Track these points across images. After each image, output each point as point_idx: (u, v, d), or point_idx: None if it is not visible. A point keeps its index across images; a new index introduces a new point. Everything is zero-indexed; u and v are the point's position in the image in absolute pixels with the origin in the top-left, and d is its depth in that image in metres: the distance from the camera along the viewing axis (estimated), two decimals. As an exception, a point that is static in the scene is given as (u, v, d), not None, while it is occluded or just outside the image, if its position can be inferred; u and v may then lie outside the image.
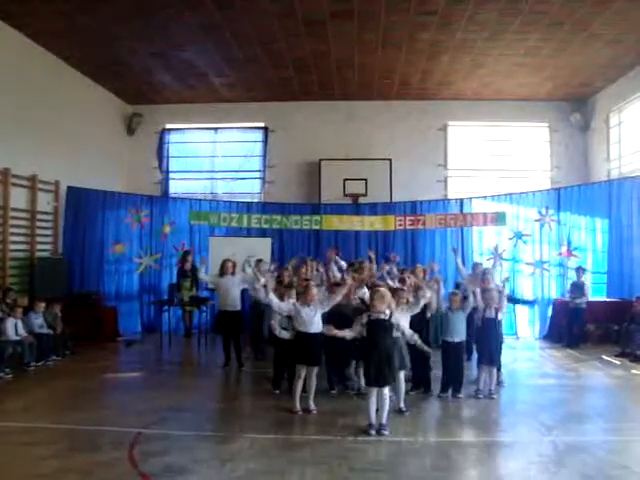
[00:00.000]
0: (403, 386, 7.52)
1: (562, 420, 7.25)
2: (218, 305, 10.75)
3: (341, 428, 6.81)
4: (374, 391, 6.70)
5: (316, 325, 7.48)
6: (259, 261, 11.01)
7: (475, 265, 11.62)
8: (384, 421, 6.66)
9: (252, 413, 7.62)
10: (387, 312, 6.77)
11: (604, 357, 11.20)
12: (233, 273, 10.30)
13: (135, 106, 16.91)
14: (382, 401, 6.67)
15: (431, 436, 6.68)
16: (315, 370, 7.52)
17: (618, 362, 10.78)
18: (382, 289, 7.02)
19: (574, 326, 12.53)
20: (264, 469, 5.63)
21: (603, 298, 13.47)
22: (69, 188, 13.72)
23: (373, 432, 6.59)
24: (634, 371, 10.07)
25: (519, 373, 9.72)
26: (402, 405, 7.44)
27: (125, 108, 16.84)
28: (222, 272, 10.28)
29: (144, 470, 5.50)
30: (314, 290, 7.64)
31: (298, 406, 7.39)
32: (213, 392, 8.88)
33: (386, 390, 6.70)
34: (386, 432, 6.58)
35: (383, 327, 6.71)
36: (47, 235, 13.20)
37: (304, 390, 7.53)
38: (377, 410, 6.69)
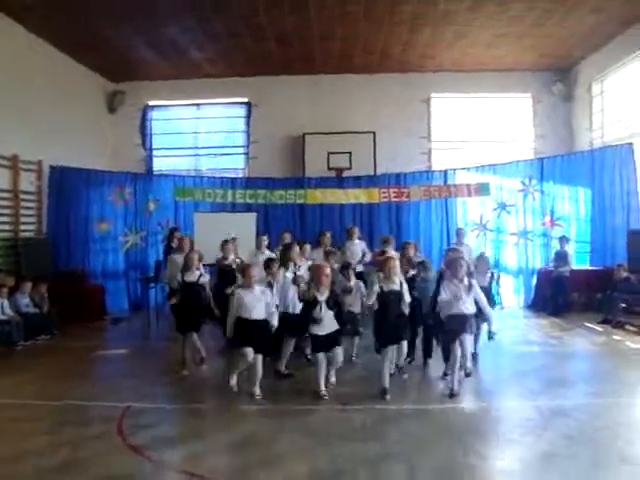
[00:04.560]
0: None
1: (546, 385, 7.40)
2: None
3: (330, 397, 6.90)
4: (388, 353, 6.92)
5: (259, 310, 7.05)
6: (233, 239, 10.81)
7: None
8: (402, 362, 7.23)
9: (240, 385, 7.67)
10: (397, 282, 7.00)
11: (587, 324, 11.37)
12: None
13: (117, 83, 16.72)
14: (402, 350, 7.10)
15: (417, 404, 6.78)
16: (260, 358, 7.06)
17: (601, 329, 10.94)
18: (393, 260, 7.22)
19: (558, 295, 12.67)
20: (253, 438, 5.72)
21: (586, 267, 13.61)
22: (52, 167, 13.59)
23: (388, 397, 6.80)
24: (616, 337, 10.24)
25: (504, 341, 9.82)
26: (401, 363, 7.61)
27: (107, 85, 16.65)
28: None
29: (133, 442, 5.57)
30: (254, 272, 7.26)
31: (234, 381, 7.24)
32: (199, 367, 8.93)
33: (404, 342, 7.05)
34: (406, 376, 7.23)
35: (398, 298, 6.96)
36: (31, 215, 13.09)
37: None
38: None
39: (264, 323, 7.05)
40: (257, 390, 7.01)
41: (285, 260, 8.39)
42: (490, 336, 8.47)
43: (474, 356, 8.31)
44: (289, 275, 8.14)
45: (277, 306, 7.59)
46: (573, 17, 12.37)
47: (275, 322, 7.13)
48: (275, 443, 5.58)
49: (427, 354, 8.45)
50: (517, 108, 16.82)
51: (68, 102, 14.34)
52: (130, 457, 5.27)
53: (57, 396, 7.10)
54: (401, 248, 9.71)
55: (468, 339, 7.07)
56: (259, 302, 7.05)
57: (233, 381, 7.22)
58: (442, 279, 7.40)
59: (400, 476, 4.83)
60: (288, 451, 5.38)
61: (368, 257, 11.20)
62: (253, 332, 6.96)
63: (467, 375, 7.37)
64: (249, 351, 6.91)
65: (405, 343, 7.05)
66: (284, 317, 7.67)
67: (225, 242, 10.28)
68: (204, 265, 9.42)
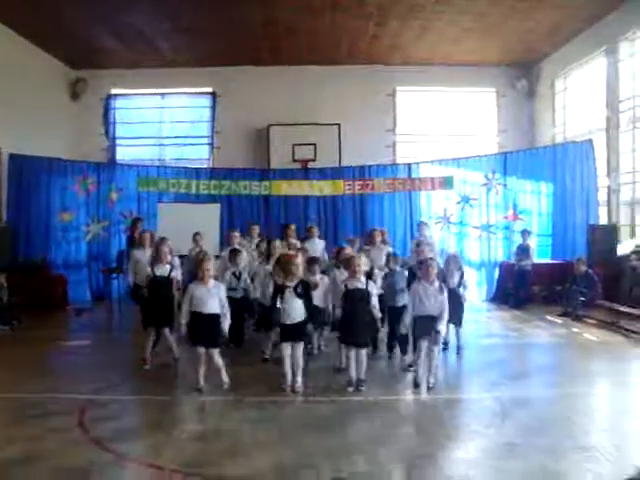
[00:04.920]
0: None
1: (506, 377, 7.49)
2: None
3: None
4: (353, 352, 6.88)
5: (212, 305, 6.92)
6: (196, 234, 10.84)
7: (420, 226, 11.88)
8: (362, 376, 6.89)
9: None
10: (363, 281, 7.00)
11: (548, 317, 11.56)
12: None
13: (79, 71, 16.45)
14: (360, 359, 6.90)
15: (378, 395, 6.80)
16: (216, 353, 6.97)
17: (560, 321, 11.14)
18: (357, 258, 7.25)
19: (519, 288, 12.86)
20: (215, 430, 5.70)
21: (548, 260, 13.82)
22: (11, 155, 13.36)
23: (352, 388, 6.81)
24: (575, 329, 10.45)
25: (466, 334, 9.90)
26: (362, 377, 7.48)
27: (69, 73, 16.38)
28: None
29: (94, 435, 5.51)
30: (207, 265, 7.09)
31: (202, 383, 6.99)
32: (163, 357, 8.85)
33: (364, 350, 6.93)
34: (363, 388, 6.82)
35: (363, 296, 6.93)
36: (-10, 203, 12.88)
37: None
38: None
39: (216, 317, 6.91)
40: (225, 378, 6.98)
41: (268, 255, 8.61)
42: (458, 351, 8.64)
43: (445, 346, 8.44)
44: (269, 268, 8.19)
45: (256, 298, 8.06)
46: (538, 13, 12.53)
47: (226, 326, 6.96)
48: (239, 435, 5.57)
49: (390, 348, 8.46)
50: (481, 102, 17.02)
51: (29, 89, 14.05)
52: (91, 450, 5.19)
53: (15, 389, 6.97)
54: (368, 234, 9.83)
55: (436, 350, 7.07)
56: (212, 297, 6.93)
57: (200, 383, 6.99)
58: (413, 276, 7.45)
59: (363, 467, 4.85)
60: (252, 443, 5.35)
61: (326, 257, 10.94)
62: (204, 327, 6.87)
63: (429, 388, 6.94)
64: (201, 350, 6.88)
65: (363, 354, 6.99)
66: (265, 309, 7.76)
67: (196, 234, 10.53)
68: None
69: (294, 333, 6.87)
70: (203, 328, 6.86)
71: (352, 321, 6.89)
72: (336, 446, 5.23)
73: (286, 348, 6.90)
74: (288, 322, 6.85)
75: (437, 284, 7.01)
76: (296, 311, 6.85)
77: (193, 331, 6.94)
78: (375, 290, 7.28)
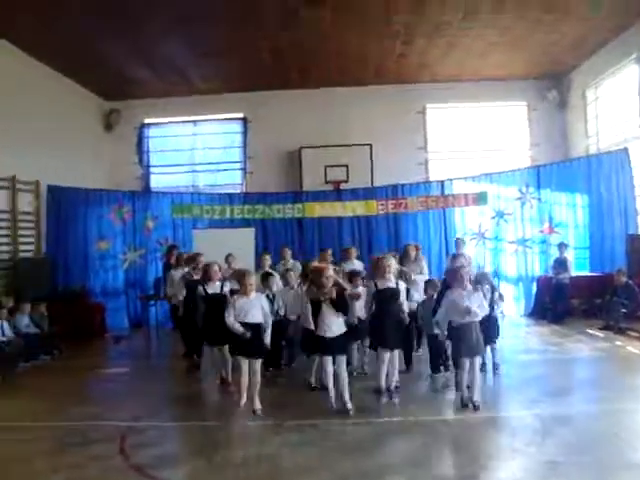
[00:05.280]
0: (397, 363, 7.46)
1: (547, 393, 7.36)
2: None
3: (325, 411, 6.84)
4: (387, 355, 6.78)
5: (254, 314, 6.93)
6: (229, 255, 11.02)
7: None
8: (394, 383, 6.97)
9: (239, 402, 7.64)
10: (393, 280, 6.95)
11: (588, 331, 11.34)
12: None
13: (112, 102, 16.77)
14: (394, 363, 6.90)
15: (418, 415, 6.72)
16: (258, 363, 6.97)
17: (602, 335, 10.92)
18: (387, 259, 7.24)
19: (558, 302, 12.67)
20: (255, 455, 5.70)
21: (586, 273, 13.59)
22: (49, 187, 13.64)
23: (385, 398, 6.79)
24: (617, 342, 10.22)
25: (504, 350, 9.77)
26: (393, 385, 7.41)
27: (102, 104, 16.73)
28: None
29: (135, 462, 5.54)
30: (251, 279, 7.11)
31: (245, 398, 7.07)
32: (200, 384, 8.89)
33: (396, 353, 6.82)
34: (397, 399, 6.84)
35: (394, 295, 6.91)
36: (29, 235, 13.12)
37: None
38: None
39: (258, 327, 6.92)
40: (257, 404, 6.90)
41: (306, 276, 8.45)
42: (495, 369, 8.43)
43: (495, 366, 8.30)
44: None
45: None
46: (563, 26, 12.47)
47: (267, 338, 6.99)
48: (278, 460, 5.56)
49: (434, 368, 8.17)
50: (512, 116, 16.89)
51: (65, 122, 14.38)
52: (132, 477, 5.24)
53: (57, 417, 7.07)
54: (402, 251, 9.84)
55: (477, 362, 6.87)
56: (254, 307, 6.95)
57: (243, 401, 7.07)
58: (445, 288, 7.36)
59: (403, 489, 4.81)
60: (291, 468, 5.34)
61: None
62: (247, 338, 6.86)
63: (475, 407, 6.74)
64: (244, 363, 6.91)
65: (396, 356, 6.92)
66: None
67: (229, 255, 10.90)
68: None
69: (335, 347, 6.79)
70: (248, 338, 6.84)
71: (384, 322, 6.82)
72: (374, 469, 5.19)
73: (327, 363, 6.85)
74: (328, 335, 6.77)
75: (471, 288, 6.86)
76: (335, 324, 6.79)
77: (235, 342, 6.96)
78: (404, 287, 7.26)
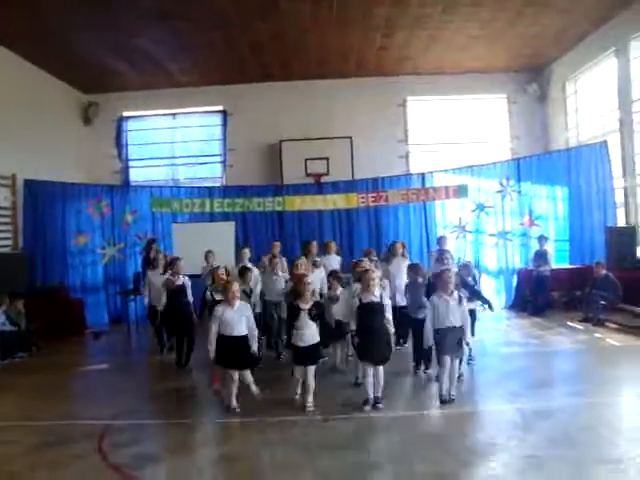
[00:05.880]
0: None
1: (528, 387, 7.40)
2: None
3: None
4: (371, 370, 6.79)
5: (240, 327, 6.91)
6: (208, 252, 10.95)
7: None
8: (380, 394, 6.80)
9: (219, 399, 7.60)
10: (378, 294, 6.94)
11: (568, 323, 11.40)
12: None
13: (90, 95, 16.58)
14: (378, 377, 6.82)
15: (399, 411, 6.74)
16: (247, 372, 7.00)
17: (582, 327, 10.99)
18: (372, 272, 7.16)
19: (538, 294, 12.72)
20: (235, 453, 5.65)
21: (566, 265, 13.67)
22: (26, 181, 13.44)
23: (368, 407, 6.70)
24: (597, 335, 10.28)
25: (485, 343, 9.81)
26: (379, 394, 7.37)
27: (80, 97, 16.51)
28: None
29: (114, 461, 5.48)
30: (234, 287, 7.08)
31: (235, 403, 6.94)
32: (181, 381, 8.83)
33: (381, 368, 6.82)
34: (381, 405, 6.71)
35: (378, 310, 6.87)
36: (6, 230, 12.93)
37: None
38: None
39: (245, 339, 6.92)
40: (255, 389, 6.97)
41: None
42: (469, 361, 8.44)
43: (459, 377, 8.23)
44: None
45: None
46: (544, 18, 12.49)
47: (255, 346, 7.00)
48: (258, 457, 5.53)
49: (417, 361, 8.34)
50: (493, 109, 16.92)
51: (42, 115, 14.18)
52: (110, 476, 5.18)
53: (36, 416, 6.98)
54: (389, 246, 9.81)
55: (457, 362, 7.08)
56: (240, 318, 6.92)
57: (233, 403, 6.95)
58: (432, 287, 7.42)
59: (385, 486, 4.79)
60: (272, 465, 5.32)
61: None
62: (235, 350, 6.84)
63: (450, 400, 6.89)
64: (234, 373, 6.88)
65: (381, 370, 6.92)
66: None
67: (208, 252, 10.80)
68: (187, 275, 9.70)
69: (307, 356, 6.84)
70: (234, 350, 6.84)
71: (369, 336, 6.82)
72: (357, 466, 5.16)
73: (298, 371, 6.94)
74: (301, 344, 6.82)
75: (456, 295, 6.97)
76: (310, 334, 6.84)
77: (224, 354, 6.90)
78: (389, 302, 7.27)
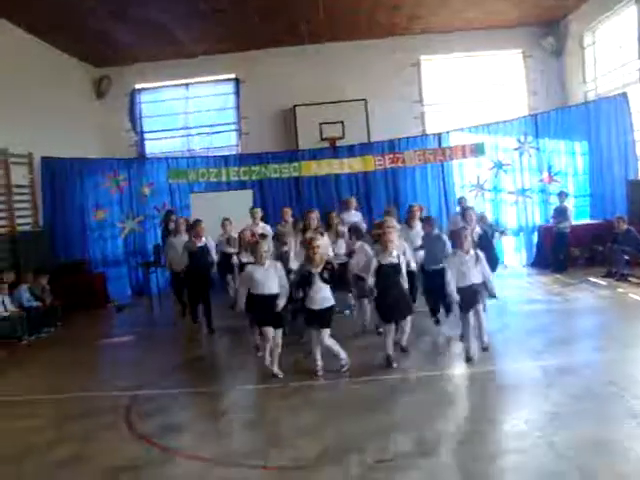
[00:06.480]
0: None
1: (550, 344, 7.36)
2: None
3: (332, 371, 6.87)
4: (392, 327, 6.88)
5: (271, 285, 6.98)
6: (225, 219, 10.99)
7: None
8: (404, 343, 7.20)
9: (243, 367, 7.66)
10: (395, 255, 7.00)
11: (591, 279, 11.29)
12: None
13: (102, 69, 16.45)
14: (403, 329, 7.09)
15: (422, 371, 6.75)
16: (279, 332, 7.03)
17: (604, 282, 10.88)
18: (390, 233, 7.19)
19: (559, 251, 12.59)
20: (259, 419, 5.72)
21: (587, 221, 13.52)
22: (43, 158, 13.48)
23: (395, 364, 6.83)
24: (619, 290, 10.19)
25: (508, 301, 9.76)
26: (404, 344, 7.45)
27: (92, 72, 16.41)
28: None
29: (141, 431, 5.56)
30: (264, 247, 7.21)
31: (277, 369, 6.99)
32: (204, 350, 8.92)
33: (409, 318, 7.07)
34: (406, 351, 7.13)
35: (396, 271, 6.94)
36: (26, 208, 12.99)
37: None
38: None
39: (276, 297, 6.96)
40: (276, 368, 6.95)
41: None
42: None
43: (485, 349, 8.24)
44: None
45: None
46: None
47: (282, 302, 6.99)
48: (283, 422, 5.58)
49: (434, 312, 8.58)
50: (508, 66, 16.60)
51: (55, 92, 14.10)
52: (138, 446, 5.27)
53: (63, 389, 7.11)
54: (407, 211, 9.79)
55: (481, 309, 7.13)
56: (271, 276, 6.99)
57: (275, 368, 6.99)
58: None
59: (408, 447, 4.80)
60: (296, 429, 5.36)
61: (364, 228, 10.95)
62: (268, 308, 6.88)
63: (484, 349, 7.15)
64: (269, 330, 6.91)
65: (408, 321, 7.01)
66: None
67: (225, 219, 10.88)
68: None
69: (319, 319, 6.84)
70: (268, 309, 6.89)
71: (386, 297, 6.86)
72: (380, 428, 5.19)
73: (312, 333, 6.96)
74: (314, 307, 6.82)
75: (473, 252, 7.01)
76: (322, 297, 6.83)
77: (258, 313, 7.03)
78: (412, 263, 7.32)
